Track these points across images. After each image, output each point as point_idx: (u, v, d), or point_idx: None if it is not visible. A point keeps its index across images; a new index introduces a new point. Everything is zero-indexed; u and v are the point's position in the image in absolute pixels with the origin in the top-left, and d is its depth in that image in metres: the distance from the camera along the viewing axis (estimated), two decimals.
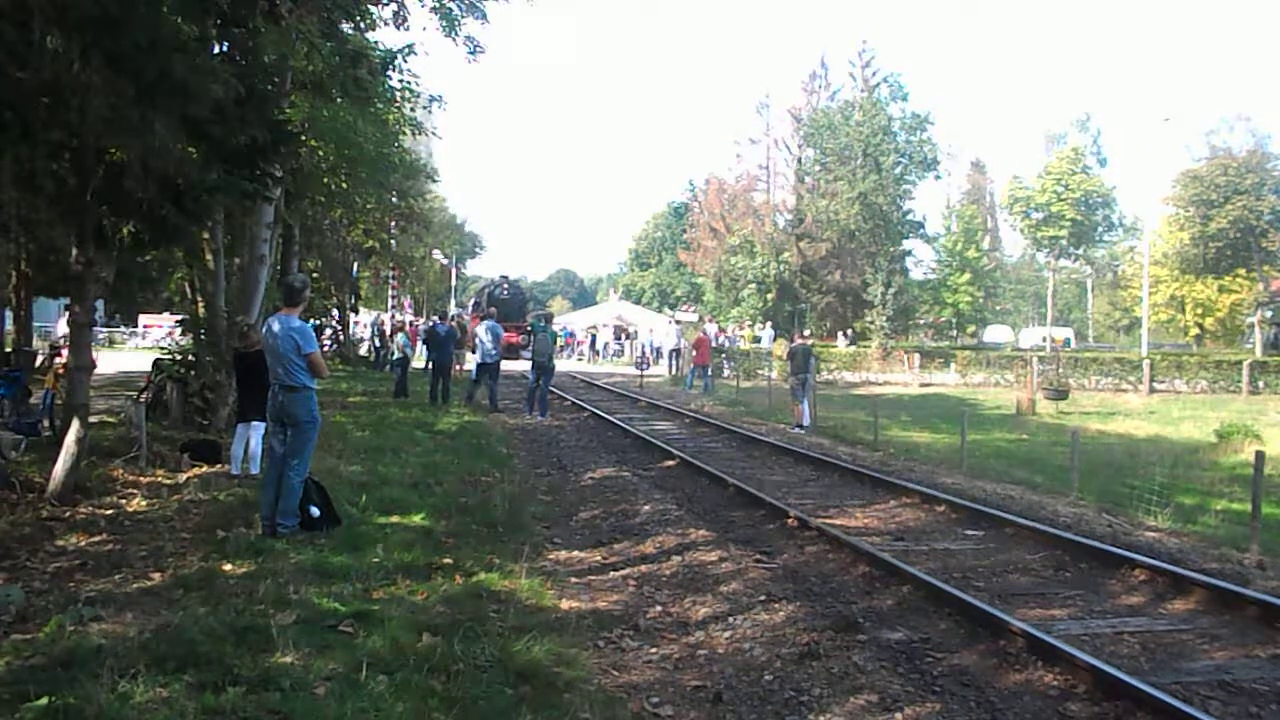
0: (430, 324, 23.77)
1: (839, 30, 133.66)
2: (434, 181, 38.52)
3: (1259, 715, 4.46)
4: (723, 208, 47.74)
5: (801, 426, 15.88)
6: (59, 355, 13.91)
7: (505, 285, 45.55)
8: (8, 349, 15.48)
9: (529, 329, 41.80)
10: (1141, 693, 4.35)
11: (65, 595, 5.27)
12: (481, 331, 17.85)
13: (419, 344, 24.76)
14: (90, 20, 6.53)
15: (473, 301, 52.28)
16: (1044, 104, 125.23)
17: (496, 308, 40.27)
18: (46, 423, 11.06)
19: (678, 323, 41.71)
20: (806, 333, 19.51)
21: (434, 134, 27.02)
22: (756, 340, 36.24)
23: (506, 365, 27.55)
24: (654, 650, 5.25)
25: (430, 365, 19.40)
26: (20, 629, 4.73)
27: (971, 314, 46.59)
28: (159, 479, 8.85)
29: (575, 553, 7.34)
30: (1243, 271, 43.99)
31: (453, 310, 46.35)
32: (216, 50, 9.41)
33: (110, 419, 12.13)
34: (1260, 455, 8.04)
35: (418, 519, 7.54)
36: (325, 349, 26.51)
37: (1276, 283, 45.28)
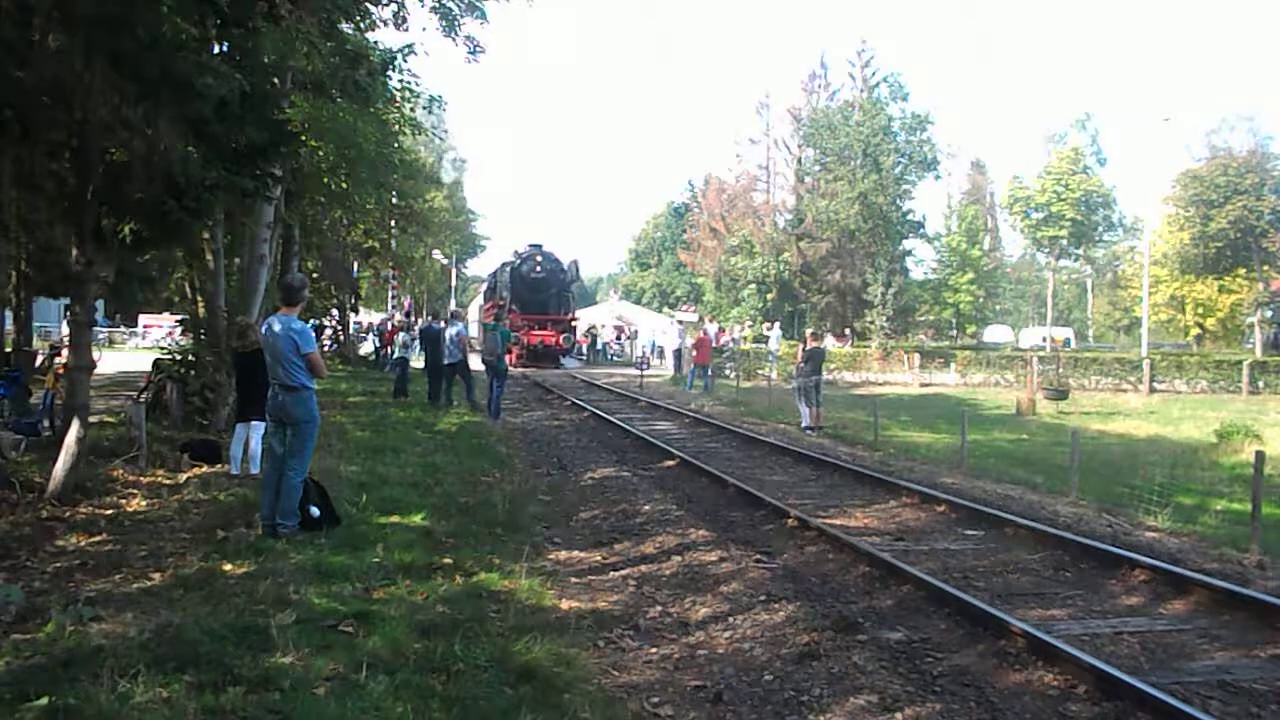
0: (426, 323, 23.65)
1: (839, 30, 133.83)
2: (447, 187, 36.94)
3: (1259, 715, 4.46)
4: (722, 208, 47.78)
5: (812, 428, 15.88)
6: (59, 355, 13.92)
7: (538, 260, 31.62)
8: (8, 349, 15.47)
9: (571, 324, 32.58)
10: (1141, 693, 4.35)
11: (65, 595, 5.27)
12: (447, 333, 17.74)
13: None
14: (92, 19, 6.54)
15: (486, 286, 42.08)
16: (1044, 104, 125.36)
17: (527, 292, 30.92)
18: (46, 423, 11.06)
19: (680, 323, 41.34)
20: (828, 335, 19.52)
21: (434, 134, 26.98)
22: (764, 340, 36.10)
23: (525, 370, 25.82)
24: (654, 650, 5.25)
25: (426, 365, 19.35)
26: (20, 629, 4.73)
27: (972, 314, 46.60)
28: (159, 479, 8.85)
29: (575, 553, 7.34)
30: (1243, 271, 43.98)
31: (453, 309, 43.64)
32: (216, 50, 9.41)
33: (110, 419, 12.13)
34: (1260, 455, 8.04)
35: (418, 519, 7.54)
36: (325, 349, 26.46)
37: (1276, 283, 45.23)
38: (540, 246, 32.68)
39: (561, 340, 30.81)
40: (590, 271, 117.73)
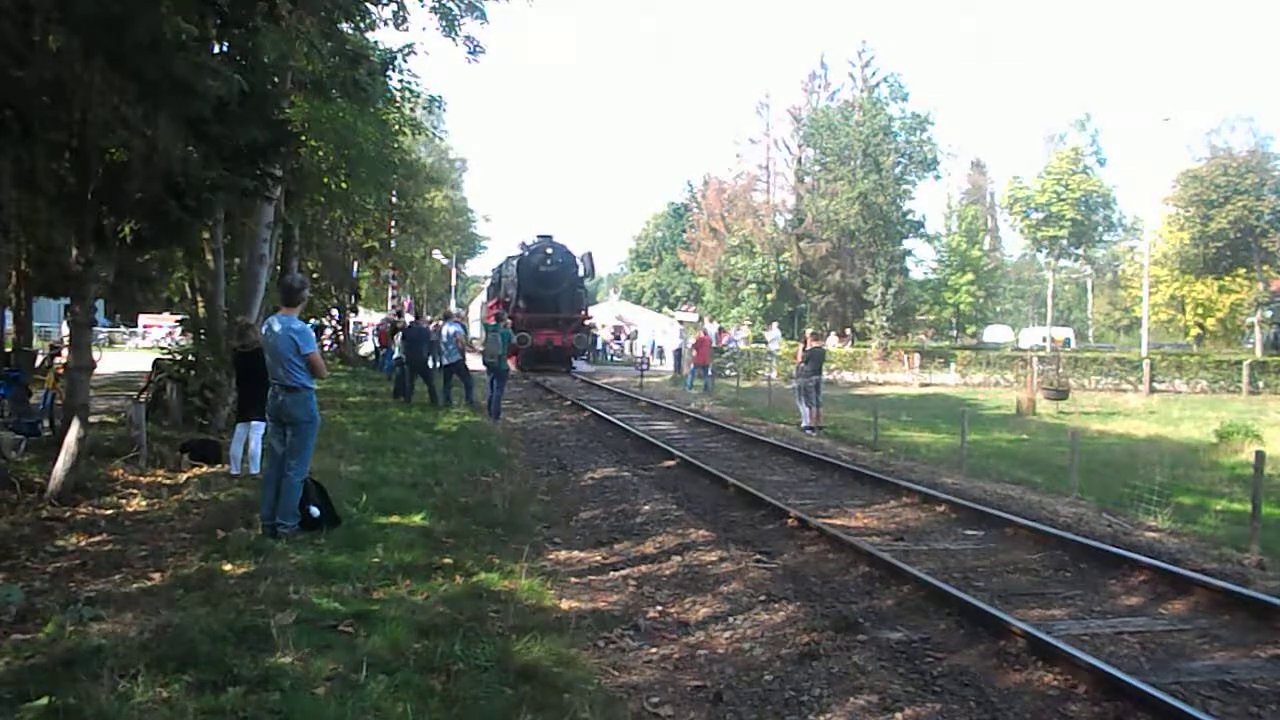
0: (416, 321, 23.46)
1: (839, 30, 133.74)
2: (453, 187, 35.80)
3: (1259, 715, 4.46)
4: (722, 208, 47.81)
5: (812, 428, 15.88)
6: (59, 355, 13.92)
7: (549, 252, 28.48)
8: (8, 349, 15.47)
9: (584, 323, 29.40)
10: (1141, 693, 4.36)
11: (65, 595, 5.27)
12: (443, 333, 17.68)
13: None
14: (91, 19, 6.54)
15: (489, 281, 38.97)
16: (1044, 104, 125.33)
17: (536, 287, 28.21)
18: (46, 423, 11.06)
19: (681, 323, 41.23)
20: (831, 334, 19.48)
21: (435, 134, 26.90)
22: (762, 341, 36.13)
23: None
24: (654, 650, 5.25)
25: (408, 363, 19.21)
26: (20, 629, 4.73)
27: (972, 314, 46.62)
28: (159, 479, 8.85)
29: (575, 553, 7.34)
30: (1243, 271, 43.98)
31: (453, 308, 41.27)
32: (216, 50, 9.41)
33: (110, 419, 12.13)
34: (1260, 455, 8.04)
35: (418, 519, 7.53)
36: (325, 349, 26.36)
37: (1276, 283, 45.26)
38: (551, 237, 29.33)
39: (574, 341, 28.04)
40: None
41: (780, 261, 43.30)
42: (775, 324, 35.96)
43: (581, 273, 29.71)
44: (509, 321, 22.34)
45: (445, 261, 52.08)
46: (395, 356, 21.30)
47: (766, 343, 34.44)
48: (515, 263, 29.70)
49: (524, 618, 5.30)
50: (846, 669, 4.83)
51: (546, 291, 28.12)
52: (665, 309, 64.53)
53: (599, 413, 17.32)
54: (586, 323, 30.62)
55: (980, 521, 8.52)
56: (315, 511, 6.98)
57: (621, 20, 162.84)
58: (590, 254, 30.38)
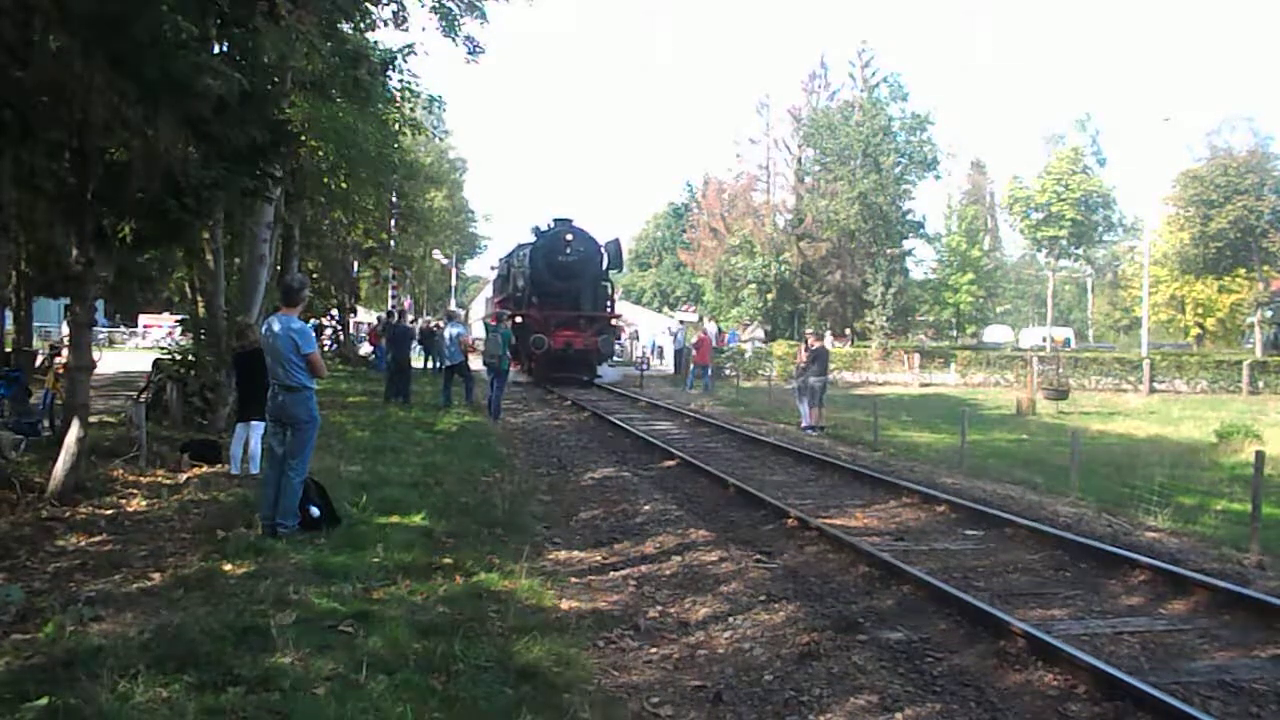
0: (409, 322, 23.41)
1: (839, 30, 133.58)
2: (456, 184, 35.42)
3: (1259, 715, 4.46)
4: (722, 208, 47.79)
5: (814, 428, 15.88)
6: (59, 355, 13.92)
7: (568, 239, 24.46)
8: (8, 349, 15.47)
9: (610, 322, 25.56)
10: (1141, 693, 4.36)
11: (65, 595, 5.27)
12: (446, 333, 17.71)
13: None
14: (91, 19, 6.54)
15: (496, 274, 34.52)
16: (1044, 104, 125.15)
17: (554, 280, 24.37)
18: (46, 423, 11.06)
19: (681, 323, 41.26)
20: (827, 334, 19.47)
21: (435, 134, 26.88)
22: (753, 340, 36.29)
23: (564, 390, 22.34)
24: (654, 650, 5.25)
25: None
26: (20, 629, 4.73)
27: (972, 314, 46.60)
28: (159, 479, 8.85)
29: (575, 553, 7.34)
30: (1243, 271, 43.94)
31: (456, 309, 41.43)
32: (216, 50, 9.41)
33: (110, 419, 12.13)
34: (1260, 455, 8.04)
35: (418, 519, 7.53)
36: (325, 349, 26.34)
37: (1276, 283, 45.23)
38: (570, 221, 24.96)
39: (599, 344, 23.96)
40: None
41: (780, 261, 43.28)
42: (757, 324, 36.26)
43: (606, 264, 25.55)
44: (512, 321, 21.52)
45: (445, 261, 52.04)
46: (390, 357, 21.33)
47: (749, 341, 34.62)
48: (528, 251, 25.48)
49: (524, 618, 5.30)
50: (846, 669, 4.83)
51: (565, 285, 24.47)
52: (665, 309, 64.53)
53: (599, 413, 17.33)
54: (614, 322, 26.40)
55: (980, 521, 8.52)
56: (315, 511, 6.99)
57: (621, 20, 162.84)
58: (617, 241, 26.51)
